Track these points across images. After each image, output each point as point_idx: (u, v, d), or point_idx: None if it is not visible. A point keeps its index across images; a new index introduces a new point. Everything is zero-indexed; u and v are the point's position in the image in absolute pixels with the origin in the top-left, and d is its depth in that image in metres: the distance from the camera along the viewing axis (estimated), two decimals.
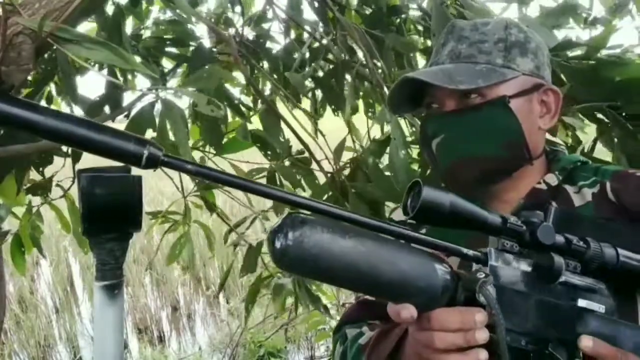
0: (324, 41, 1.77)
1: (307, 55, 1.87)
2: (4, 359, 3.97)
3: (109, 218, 0.51)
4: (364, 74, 1.78)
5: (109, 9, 1.63)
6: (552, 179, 0.88)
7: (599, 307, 0.70)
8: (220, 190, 2.08)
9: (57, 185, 1.86)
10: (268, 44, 1.89)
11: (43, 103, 1.85)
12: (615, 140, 1.34)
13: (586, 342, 0.67)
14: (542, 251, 0.67)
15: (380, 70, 1.68)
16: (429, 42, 1.88)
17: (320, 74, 1.90)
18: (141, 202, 0.52)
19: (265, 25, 1.90)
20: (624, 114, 1.31)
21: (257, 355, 3.86)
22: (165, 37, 1.82)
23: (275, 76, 1.89)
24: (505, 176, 0.87)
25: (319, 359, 4.07)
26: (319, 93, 2.00)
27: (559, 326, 0.68)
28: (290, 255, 0.54)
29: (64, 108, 1.93)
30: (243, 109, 1.91)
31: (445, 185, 0.91)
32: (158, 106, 1.51)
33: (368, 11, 1.83)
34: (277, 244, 0.54)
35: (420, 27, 1.87)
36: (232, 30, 1.82)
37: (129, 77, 1.91)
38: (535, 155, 0.87)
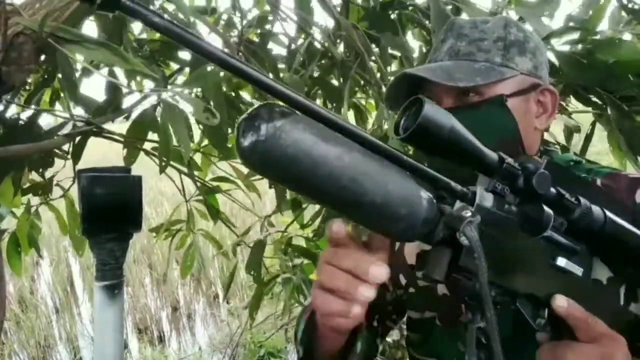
0: (323, 40, 1.77)
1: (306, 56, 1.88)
2: (4, 359, 3.97)
3: (109, 218, 0.51)
4: (362, 74, 1.78)
5: None
6: None
7: (578, 270, 0.67)
8: (221, 192, 2.07)
9: (57, 185, 1.86)
10: (272, 46, 1.89)
11: (45, 104, 1.85)
12: (613, 122, 1.34)
13: (561, 302, 0.64)
14: (532, 200, 0.63)
15: (377, 71, 1.68)
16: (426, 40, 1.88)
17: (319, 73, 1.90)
18: (141, 202, 0.52)
19: (267, 26, 1.91)
20: (618, 95, 1.32)
21: (257, 355, 3.86)
22: (169, 41, 1.82)
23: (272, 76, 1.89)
24: None
25: None
26: (318, 93, 2.00)
27: (533, 282, 0.65)
28: (260, 152, 0.45)
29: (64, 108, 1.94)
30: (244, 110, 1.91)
31: None
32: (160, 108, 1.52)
33: (370, 5, 1.82)
34: (247, 137, 0.44)
35: (416, 24, 1.88)
36: (234, 32, 1.82)
37: (138, 79, 1.91)
38: (530, 154, 0.87)
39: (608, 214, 0.67)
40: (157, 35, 1.80)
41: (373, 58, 1.70)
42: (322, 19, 1.82)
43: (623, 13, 1.53)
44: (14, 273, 1.92)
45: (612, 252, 0.69)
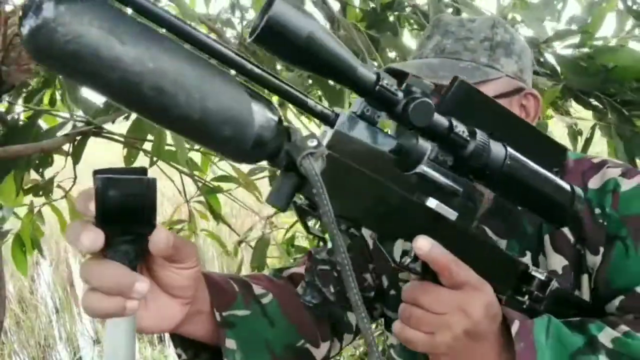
0: None
1: None
2: (4, 359, 3.97)
3: (123, 220, 0.49)
4: None
5: None
6: None
7: (451, 214, 0.60)
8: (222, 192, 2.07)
9: (58, 186, 1.86)
10: None
11: (45, 105, 1.85)
12: (613, 126, 1.35)
13: (421, 244, 0.58)
14: (410, 130, 0.56)
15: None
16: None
17: None
18: (155, 204, 0.49)
19: None
20: (618, 100, 1.33)
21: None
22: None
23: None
24: None
25: None
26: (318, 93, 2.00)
27: (395, 221, 0.58)
28: (36, 43, 0.38)
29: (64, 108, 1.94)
30: None
31: None
32: None
33: (370, 6, 1.82)
34: (25, 24, 0.37)
35: (415, 25, 1.88)
36: (232, 32, 1.82)
37: None
38: None
39: (511, 151, 0.60)
40: None
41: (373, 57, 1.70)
42: (320, 18, 1.82)
43: (630, 19, 1.53)
44: (17, 273, 1.93)
45: (513, 191, 0.62)
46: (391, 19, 1.75)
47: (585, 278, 0.80)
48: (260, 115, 0.48)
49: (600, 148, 1.61)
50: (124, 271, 0.49)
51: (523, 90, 0.87)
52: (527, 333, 0.63)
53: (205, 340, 0.73)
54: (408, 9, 1.78)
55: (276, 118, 0.49)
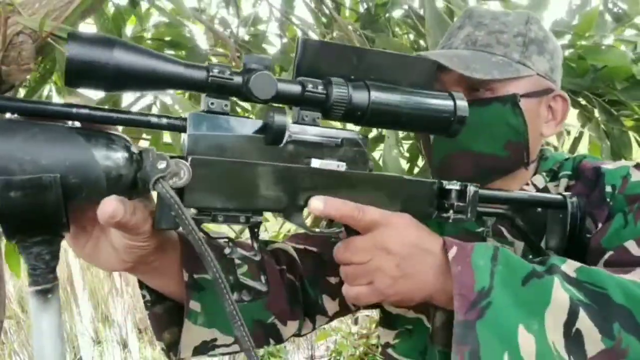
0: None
1: None
2: (4, 359, 3.98)
3: (29, 221, 0.47)
4: None
5: (109, 10, 1.65)
6: (540, 181, 0.87)
7: (338, 165, 0.61)
8: None
9: None
10: (265, 45, 1.91)
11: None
12: (602, 125, 1.37)
13: (314, 204, 0.59)
14: (265, 105, 0.57)
15: None
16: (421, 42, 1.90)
17: None
18: (61, 202, 0.47)
19: (261, 27, 1.93)
20: (606, 100, 1.35)
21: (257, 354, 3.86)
22: (164, 39, 1.84)
23: None
24: (499, 177, 0.84)
25: (318, 359, 4.08)
26: None
27: (290, 193, 0.59)
28: None
29: None
30: (239, 109, 1.93)
31: (437, 178, 0.88)
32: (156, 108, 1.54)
33: (362, 9, 1.84)
34: None
35: (405, 27, 1.89)
36: (227, 31, 1.84)
37: None
38: (532, 159, 0.85)
39: (373, 87, 0.60)
40: (150, 34, 1.83)
41: None
42: (313, 18, 1.84)
43: (607, 17, 1.55)
44: (14, 274, 1.91)
45: (390, 121, 0.64)
46: (382, 20, 1.77)
47: None
48: (101, 155, 0.49)
49: (582, 148, 1.63)
50: None
51: (552, 91, 0.84)
52: (464, 256, 0.62)
53: (173, 297, 0.73)
54: (401, 12, 1.79)
55: (121, 151, 0.50)
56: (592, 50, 1.34)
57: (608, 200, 0.78)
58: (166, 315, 0.75)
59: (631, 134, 1.39)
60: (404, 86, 0.63)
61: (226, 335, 0.75)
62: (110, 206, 0.49)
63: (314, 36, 1.82)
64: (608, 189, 0.78)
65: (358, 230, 0.63)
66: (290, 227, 2.26)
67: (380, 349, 0.95)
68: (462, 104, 0.65)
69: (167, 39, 1.79)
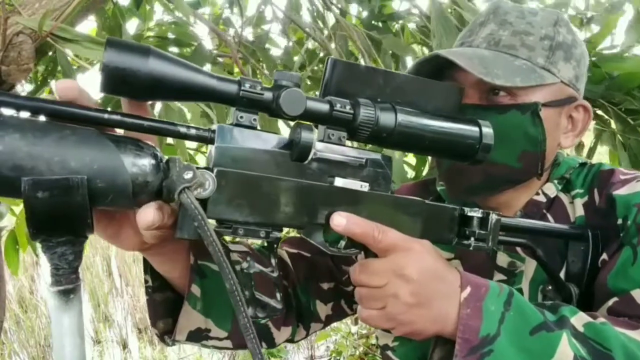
0: (322, 41, 1.77)
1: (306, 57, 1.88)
2: (4, 359, 3.98)
3: (55, 221, 0.48)
4: None
5: (109, 9, 1.64)
6: (551, 190, 0.82)
7: (362, 185, 0.61)
8: None
9: None
10: (269, 46, 1.89)
11: None
12: (618, 135, 1.34)
13: (337, 221, 0.58)
14: (293, 122, 0.57)
15: None
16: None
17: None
18: (87, 204, 0.48)
19: (265, 27, 1.91)
20: (622, 108, 1.32)
21: None
22: (167, 37, 1.82)
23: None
24: (510, 187, 0.80)
25: (318, 359, 4.07)
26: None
27: (312, 210, 0.58)
28: None
29: None
30: None
31: (445, 184, 0.85)
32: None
33: (365, 14, 1.83)
34: None
35: (416, 30, 1.88)
36: (231, 31, 1.83)
37: None
38: (545, 169, 0.81)
39: (400, 110, 0.60)
40: (153, 33, 1.81)
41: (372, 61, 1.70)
42: (319, 20, 1.83)
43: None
44: (11, 272, 1.89)
45: (414, 145, 0.63)
46: (396, 26, 1.75)
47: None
48: (130, 161, 0.49)
49: (599, 157, 1.61)
50: None
51: (575, 100, 0.79)
52: (476, 300, 0.61)
53: (176, 284, 0.73)
54: (411, 17, 1.78)
55: (148, 159, 0.50)
56: (608, 57, 1.31)
57: (620, 233, 0.74)
58: (163, 305, 0.74)
59: None
60: (430, 111, 0.62)
61: (220, 329, 0.75)
62: (150, 215, 0.50)
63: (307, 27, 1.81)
64: (619, 221, 0.75)
65: (376, 252, 0.61)
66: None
67: (379, 349, 0.94)
68: (488, 131, 0.64)
69: (172, 37, 1.77)
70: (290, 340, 0.87)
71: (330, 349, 3.84)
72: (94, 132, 0.49)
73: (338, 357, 3.56)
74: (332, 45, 1.75)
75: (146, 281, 0.74)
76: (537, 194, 0.83)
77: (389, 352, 0.90)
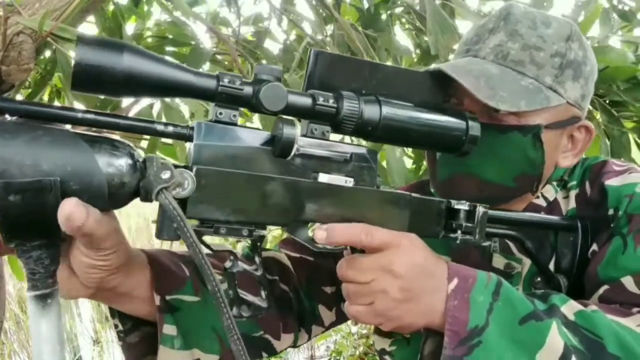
0: (320, 38, 1.78)
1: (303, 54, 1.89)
2: (4, 359, 3.98)
3: (28, 225, 0.46)
4: None
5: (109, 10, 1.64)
6: (550, 192, 0.83)
7: (346, 181, 0.60)
8: None
9: None
10: (268, 44, 1.91)
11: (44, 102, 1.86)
12: (602, 126, 1.36)
13: (319, 236, 0.58)
14: (274, 116, 0.55)
15: None
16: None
17: None
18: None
19: (263, 25, 1.92)
20: (607, 100, 1.34)
21: None
22: (165, 36, 1.83)
23: None
24: (503, 203, 0.80)
25: (318, 359, 4.08)
26: None
27: (296, 207, 0.57)
28: None
29: None
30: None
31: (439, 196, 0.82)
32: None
33: (365, 4, 1.84)
34: None
35: (407, 25, 1.89)
36: (229, 30, 1.83)
37: None
38: (540, 187, 0.80)
39: (385, 103, 0.59)
40: (151, 33, 1.82)
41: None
42: (314, 13, 1.83)
43: (614, 15, 1.54)
44: (17, 277, 1.89)
45: (399, 138, 0.63)
46: (384, 17, 1.76)
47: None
48: (105, 161, 0.47)
49: None
50: None
51: (578, 120, 0.78)
52: (463, 291, 0.61)
53: (149, 319, 0.69)
54: (400, 9, 1.79)
55: (125, 159, 0.49)
56: (594, 50, 1.33)
57: (611, 223, 0.75)
58: (143, 343, 0.71)
59: (630, 135, 1.38)
60: (416, 103, 0.62)
61: (209, 354, 0.71)
62: (69, 206, 0.46)
63: (308, 29, 1.82)
64: (610, 212, 0.75)
65: (367, 251, 0.62)
66: None
67: (377, 354, 0.94)
68: (475, 124, 0.64)
69: (170, 37, 1.78)
70: (293, 345, 0.86)
71: (330, 349, 3.84)
72: (67, 133, 0.47)
73: (338, 357, 3.56)
74: (330, 43, 1.76)
75: (116, 326, 0.70)
76: (537, 197, 0.83)
77: (387, 357, 0.90)
